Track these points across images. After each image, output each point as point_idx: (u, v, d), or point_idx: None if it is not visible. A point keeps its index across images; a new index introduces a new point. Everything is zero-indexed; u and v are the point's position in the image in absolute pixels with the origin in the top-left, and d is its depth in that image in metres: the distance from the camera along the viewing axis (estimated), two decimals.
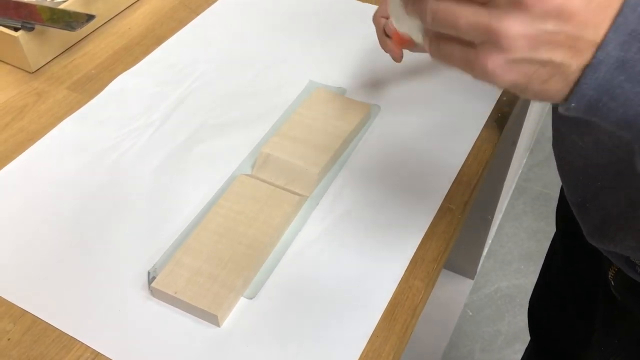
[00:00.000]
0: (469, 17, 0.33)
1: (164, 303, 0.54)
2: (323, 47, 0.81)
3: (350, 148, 0.67)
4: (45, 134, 0.70)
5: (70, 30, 0.73)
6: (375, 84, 0.75)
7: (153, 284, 0.53)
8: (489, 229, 1.50)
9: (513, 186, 1.79)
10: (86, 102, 0.74)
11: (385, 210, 0.61)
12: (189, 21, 0.86)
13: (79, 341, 0.52)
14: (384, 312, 0.53)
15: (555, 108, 0.64)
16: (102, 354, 0.51)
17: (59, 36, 0.79)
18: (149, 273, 0.55)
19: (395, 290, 0.55)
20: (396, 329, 0.52)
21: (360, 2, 0.89)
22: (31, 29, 0.74)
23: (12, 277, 0.56)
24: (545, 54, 0.32)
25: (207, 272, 0.54)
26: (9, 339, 0.52)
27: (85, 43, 0.83)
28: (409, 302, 0.54)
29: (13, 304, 0.54)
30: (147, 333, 0.52)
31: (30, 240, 0.59)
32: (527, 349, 1.04)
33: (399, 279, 0.55)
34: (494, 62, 0.33)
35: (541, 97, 0.35)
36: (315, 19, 0.86)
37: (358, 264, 0.56)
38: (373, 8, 0.87)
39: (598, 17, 0.31)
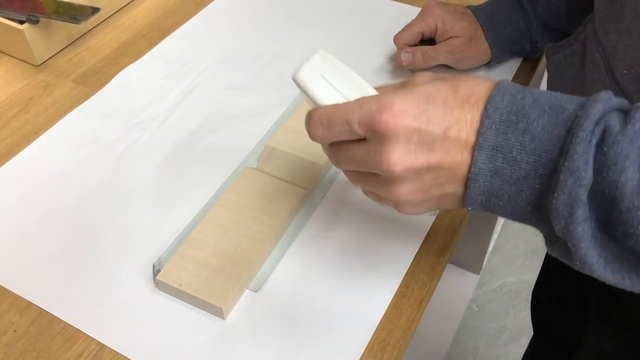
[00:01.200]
0: (365, 187, 0.44)
1: (169, 296, 0.54)
2: (330, 39, 0.80)
3: None
4: (51, 126, 0.70)
5: (75, 23, 0.72)
6: (385, 76, 0.75)
7: (158, 277, 0.53)
8: (495, 224, 1.50)
9: None
10: (92, 95, 0.74)
11: None
12: (195, 14, 0.86)
13: (84, 333, 0.52)
14: (389, 305, 0.53)
15: None
16: (107, 346, 0.51)
17: (64, 29, 0.79)
18: (154, 266, 0.55)
19: (401, 283, 0.54)
20: (401, 322, 0.52)
21: None
22: (36, 22, 0.74)
23: (17, 268, 0.56)
24: (435, 192, 0.40)
25: (213, 264, 0.54)
26: (14, 331, 0.52)
27: (90, 36, 0.83)
28: (415, 295, 0.54)
29: (19, 296, 0.55)
30: (152, 325, 0.52)
31: (36, 232, 0.59)
32: (530, 342, 1.04)
33: (405, 273, 0.55)
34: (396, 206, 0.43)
35: (444, 208, 0.45)
36: (322, 12, 0.86)
37: (363, 257, 0.56)
38: (380, 2, 0.87)
39: (459, 151, 0.38)
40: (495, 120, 0.37)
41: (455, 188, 0.40)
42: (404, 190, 0.40)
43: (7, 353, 0.51)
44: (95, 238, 0.59)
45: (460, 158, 0.38)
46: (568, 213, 0.35)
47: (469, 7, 0.72)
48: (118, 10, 0.87)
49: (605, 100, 0.36)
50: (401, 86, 0.41)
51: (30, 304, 0.54)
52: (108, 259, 0.57)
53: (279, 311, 0.53)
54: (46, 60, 0.79)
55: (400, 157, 0.38)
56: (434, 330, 1.43)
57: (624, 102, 0.37)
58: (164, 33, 0.83)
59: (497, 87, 0.38)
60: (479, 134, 0.37)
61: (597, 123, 0.35)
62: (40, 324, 0.53)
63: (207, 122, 0.70)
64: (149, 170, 0.65)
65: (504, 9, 0.70)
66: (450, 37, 0.69)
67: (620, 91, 0.51)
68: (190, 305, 0.53)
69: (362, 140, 0.40)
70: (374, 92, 0.42)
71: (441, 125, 0.38)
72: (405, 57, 0.70)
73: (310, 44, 0.80)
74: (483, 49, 0.70)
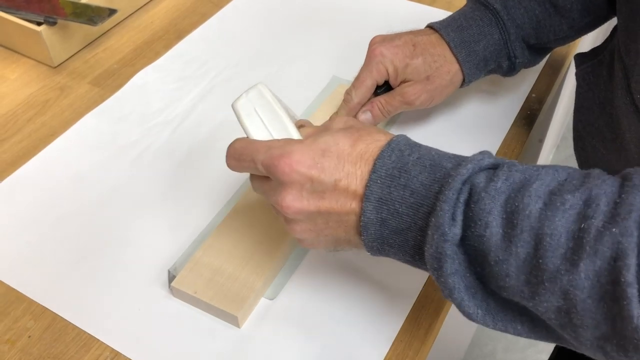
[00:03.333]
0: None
1: (184, 303, 0.53)
2: (347, 42, 0.79)
3: None
4: (67, 129, 0.70)
5: (92, 25, 0.72)
6: None
7: (173, 283, 0.53)
8: None
9: None
10: (108, 97, 0.73)
11: None
12: (212, 15, 0.86)
13: (99, 340, 0.51)
14: (407, 316, 0.52)
15: (576, 109, 0.62)
16: (121, 354, 0.50)
17: (81, 30, 0.79)
18: (169, 272, 0.55)
19: (420, 293, 0.53)
20: (420, 333, 0.51)
21: None
22: (54, 24, 0.73)
23: (32, 273, 0.56)
24: (328, 234, 0.45)
25: (228, 272, 0.53)
26: (29, 336, 0.52)
27: (107, 37, 0.83)
28: (434, 306, 0.53)
29: (34, 301, 0.54)
30: (167, 333, 0.52)
31: (51, 236, 0.59)
32: (554, 349, 1.02)
33: (424, 283, 0.54)
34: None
35: (346, 249, 0.47)
36: (338, 14, 0.85)
37: (381, 266, 0.55)
38: (397, 2, 0.86)
39: (348, 201, 0.42)
40: (381, 175, 0.41)
41: (348, 234, 0.44)
42: (298, 228, 0.45)
43: (22, 358, 0.51)
44: (110, 243, 0.58)
45: (349, 207, 0.42)
46: (437, 265, 0.39)
47: (430, 25, 0.63)
48: (135, 12, 0.87)
49: (478, 160, 0.40)
50: (320, 129, 0.46)
51: (45, 309, 0.54)
52: (122, 264, 0.56)
53: (295, 320, 0.52)
54: (63, 62, 0.79)
55: (292, 201, 0.42)
56: (452, 334, 1.41)
57: (498, 161, 0.40)
58: (180, 34, 0.83)
59: (389, 144, 0.42)
60: (366, 187, 0.41)
61: (464, 182, 0.38)
62: (55, 330, 0.52)
63: (223, 125, 0.69)
64: (164, 174, 0.64)
65: (475, 21, 0.61)
66: (404, 81, 0.61)
67: (637, 115, 0.49)
68: (206, 313, 0.52)
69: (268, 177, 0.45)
70: (296, 135, 0.46)
71: (332, 177, 0.42)
72: (364, 117, 0.62)
73: (329, 47, 0.79)
74: (447, 79, 0.61)
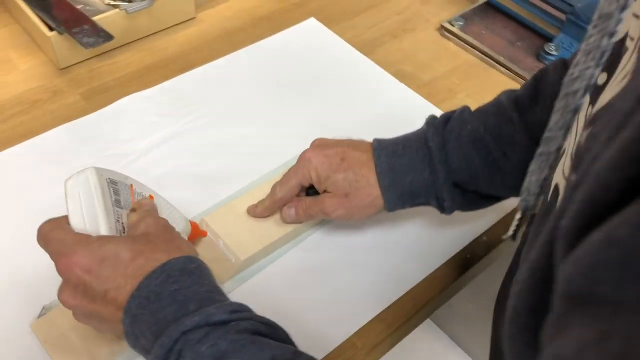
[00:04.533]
0: None
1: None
2: (333, 121, 0.78)
3: None
4: (39, 134, 0.74)
5: (83, 47, 0.76)
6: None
7: (32, 324, 0.56)
8: None
9: None
10: (89, 113, 0.77)
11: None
12: (224, 55, 0.87)
13: None
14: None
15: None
16: None
17: None
18: (43, 308, 0.58)
19: None
20: None
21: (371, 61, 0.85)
22: (61, 34, 0.78)
23: None
24: (101, 327, 0.49)
25: (82, 333, 0.55)
26: None
27: (122, 51, 0.86)
28: None
29: None
30: None
31: None
32: None
33: None
34: None
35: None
36: (336, 89, 0.84)
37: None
38: (391, 80, 0.82)
39: (114, 309, 0.46)
40: (141, 294, 0.45)
41: (117, 333, 0.48)
42: (75, 315, 0.48)
43: None
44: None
45: (116, 317, 0.46)
46: None
47: (375, 140, 0.61)
48: (158, 32, 0.90)
49: (207, 314, 0.43)
50: (134, 223, 0.51)
51: None
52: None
53: None
54: (70, 66, 0.83)
55: (67, 297, 0.46)
56: None
57: (238, 315, 0.44)
58: (185, 67, 0.85)
59: (163, 266, 0.46)
60: (127, 302, 0.45)
61: (184, 332, 0.42)
62: None
63: (172, 173, 0.71)
64: None
65: (410, 151, 0.58)
66: (326, 191, 0.61)
67: None
68: None
69: None
70: (104, 230, 0.49)
71: (103, 286, 0.45)
72: (286, 212, 0.63)
73: (313, 118, 0.79)
74: (367, 201, 0.59)
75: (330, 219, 0.63)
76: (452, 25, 0.93)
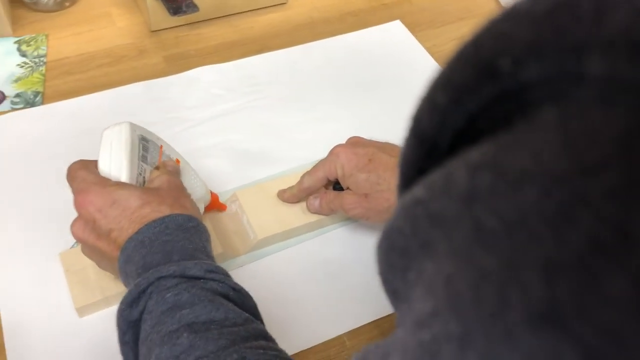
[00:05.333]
0: None
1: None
2: (384, 124, 0.79)
3: None
4: (116, 87, 0.81)
5: (170, 14, 0.81)
6: None
7: (61, 253, 0.62)
8: None
9: None
10: (166, 76, 0.83)
11: None
12: (305, 42, 0.90)
13: None
14: None
15: None
16: None
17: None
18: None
19: None
20: None
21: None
22: None
23: None
24: (101, 260, 0.54)
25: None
26: None
27: (208, 24, 0.92)
28: None
29: None
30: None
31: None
32: None
33: None
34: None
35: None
36: (400, 91, 0.84)
37: None
38: None
39: (114, 247, 0.51)
40: (137, 239, 0.49)
41: (114, 271, 0.53)
42: (82, 248, 0.54)
43: None
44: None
45: (115, 255, 0.50)
46: (119, 335, 0.47)
47: None
48: (248, 11, 0.94)
49: (185, 267, 0.46)
50: (153, 180, 0.55)
51: None
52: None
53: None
54: (161, 30, 0.90)
55: (77, 230, 0.52)
56: None
57: (213, 275, 0.47)
58: (262, 49, 0.89)
59: (163, 218, 0.50)
60: (125, 242, 0.49)
61: (159, 278, 0.46)
62: None
63: (219, 145, 0.75)
64: None
65: None
66: (349, 188, 0.63)
67: None
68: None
69: None
70: (124, 178, 0.53)
71: (108, 226, 0.50)
72: (311, 202, 0.66)
73: (365, 118, 0.80)
74: (384, 206, 0.60)
75: (348, 216, 0.64)
76: None
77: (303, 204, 0.67)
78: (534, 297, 0.17)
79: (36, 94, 0.79)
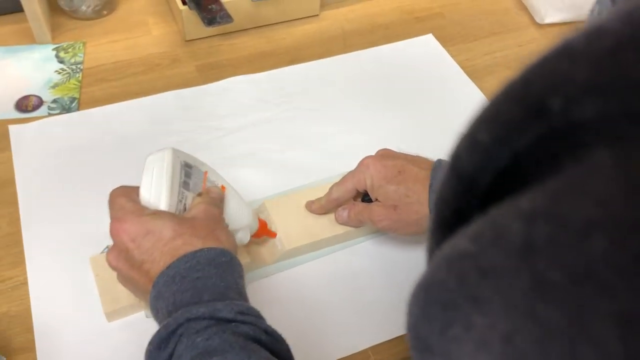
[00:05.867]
0: None
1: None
2: (413, 134, 0.79)
3: None
4: (149, 95, 0.82)
5: (205, 24, 0.82)
6: None
7: (91, 257, 0.63)
8: None
9: None
10: (198, 85, 0.84)
11: None
12: (336, 54, 0.90)
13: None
14: None
15: None
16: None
17: None
18: (107, 247, 0.65)
19: None
20: None
21: None
22: (191, 10, 0.85)
23: None
24: (135, 290, 0.52)
25: None
26: None
27: (241, 35, 0.93)
28: None
29: None
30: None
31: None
32: None
33: None
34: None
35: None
36: (432, 105, 0.84)
37: None
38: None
39: (146, 279, 0.49)
40: (169, 274, 0.47)
41: (147, 303, 0.51)
42: (117, 276, 0.53)
43: None
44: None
45: (147, 287, 0.49)
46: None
47: (439, 159, 0.61)
48: (281, 22, 0.95)
49: (215, 309, 0.44)
50: (195, 207, 0.53)
51: None
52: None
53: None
54: (195, 39, 0.91)
55: (112, 258, 0.51)
56: None
57: (233, 316, 0.45)
58: (294, 60, 0.89)
59: (195, 252, 0.48)
60: (157, 277, 0.48)
61: (189, 320, 0.44)
62: None
63: (250, 155, 0.76)
64: None
65: None
66: (377, 200, 0.62)
67: None
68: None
69: None
70: (163, 206, 0.52)
71: (142, 257, 0.49)
72: (339, 214, 0.65)
73: (398, 130, 0.80)
74: (413, 218, 0.60)
75: (376, 228, 0.64)
76: None
77: (331, 216, 0.67)
78: (608, 353, 0.16)
79: (72, 100, 0.81)
